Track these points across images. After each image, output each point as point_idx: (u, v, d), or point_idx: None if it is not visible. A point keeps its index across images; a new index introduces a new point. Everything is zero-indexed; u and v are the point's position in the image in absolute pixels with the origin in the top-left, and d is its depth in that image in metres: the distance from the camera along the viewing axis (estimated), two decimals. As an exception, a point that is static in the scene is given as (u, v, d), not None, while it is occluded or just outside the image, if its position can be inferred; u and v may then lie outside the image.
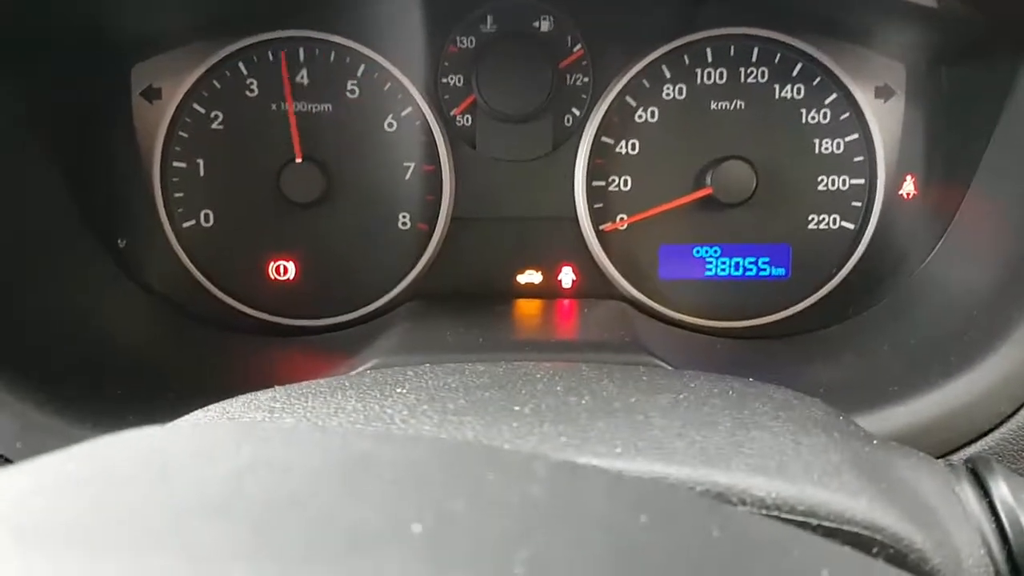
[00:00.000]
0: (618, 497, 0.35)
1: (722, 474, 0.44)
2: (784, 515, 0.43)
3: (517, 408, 0.51)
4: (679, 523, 0.34)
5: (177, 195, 1.15)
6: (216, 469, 0.33)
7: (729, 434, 0.48)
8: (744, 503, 0.43)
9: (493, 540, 0.29)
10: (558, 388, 0.55)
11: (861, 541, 0.43)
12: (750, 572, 0.32)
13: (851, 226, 1.16)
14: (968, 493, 0.51)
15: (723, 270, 1.18)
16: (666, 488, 0.40)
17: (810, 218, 1.16)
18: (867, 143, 1.14)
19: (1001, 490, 0.51)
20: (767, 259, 1.17)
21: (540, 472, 0.36)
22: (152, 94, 1.14)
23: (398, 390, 0.55)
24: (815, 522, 0.43)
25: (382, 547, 0.28)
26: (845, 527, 0.43)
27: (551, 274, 1.19)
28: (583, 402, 0.52)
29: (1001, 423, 0.81)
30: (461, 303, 1.14)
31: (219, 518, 0.29)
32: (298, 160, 1.12)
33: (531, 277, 1.19)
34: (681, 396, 0.54)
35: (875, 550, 0.43)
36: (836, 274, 1.17)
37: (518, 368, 0.59)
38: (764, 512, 0.43)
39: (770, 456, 0.46)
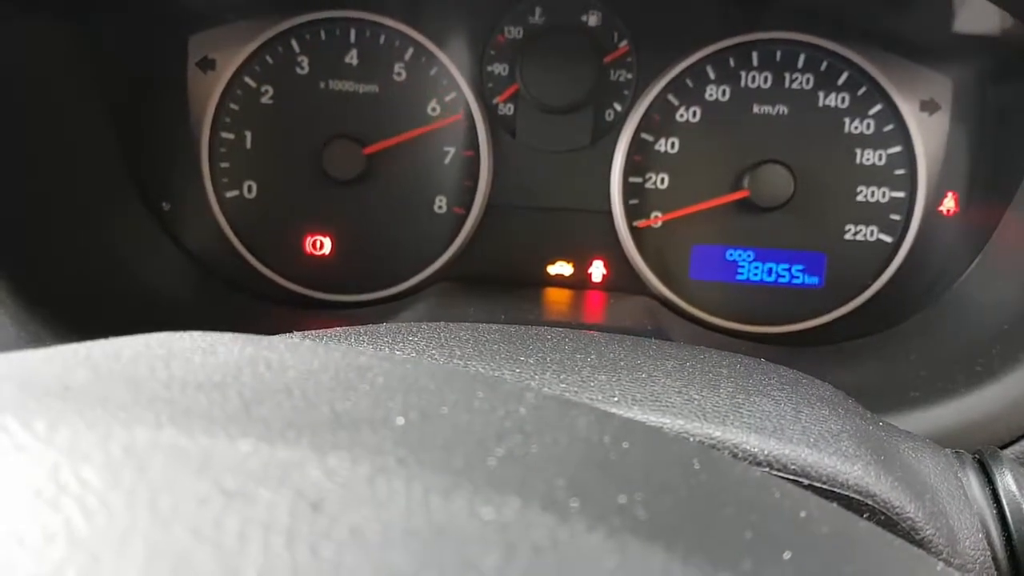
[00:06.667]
0: (604, 424, 0.36)
1: (716, 429, 0.44)
2: (775, 473, 0.43)
3: (522, 358, 0.52)
4: (661, 452, 0.34)
5: (223, 165, 1.18)
6: (217, 358, 0.34)
7: (729, 397, 0.48)
8: (735, 457, 0.43)
9: (473, 435, 0.30)
10: (566, 347, 0.56)
11: (852, 506, 0.43)
12: (726, 501, 0.32)
13: (888, 239, 1.15)
14: (971, 479, 0.51)
15: (755, 275, 1.17)
16: (655, 428, 0.40)
17: (847, 228, 1.15)
18: (909, 156, 1.12)
19: (1006, 478, 0.50)
20: (801, 267, 1.17)
21: (530, 399, 0.37)
22: (207, 65, 1.17)
23: (410, 338, 0.56)
24: (806, 482, 0.43)
25: (363, 429, 0.29)
26: (836, 490, 0.43)
27: (581, 267, 1.19)
28: (589, 359, 0.53)
29: (1023, 436, 0.79)
30: (489, 288, 1.15)
31: (211, 390, 0.30)
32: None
33: (561, 269, 1.20)
34: (688, 363, 0.54)
35: (865, 516, 0.43)
36: (870, 286, 1.16)
37: (530, 330, 0.60)
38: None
39: (768, 418, 0.46)
